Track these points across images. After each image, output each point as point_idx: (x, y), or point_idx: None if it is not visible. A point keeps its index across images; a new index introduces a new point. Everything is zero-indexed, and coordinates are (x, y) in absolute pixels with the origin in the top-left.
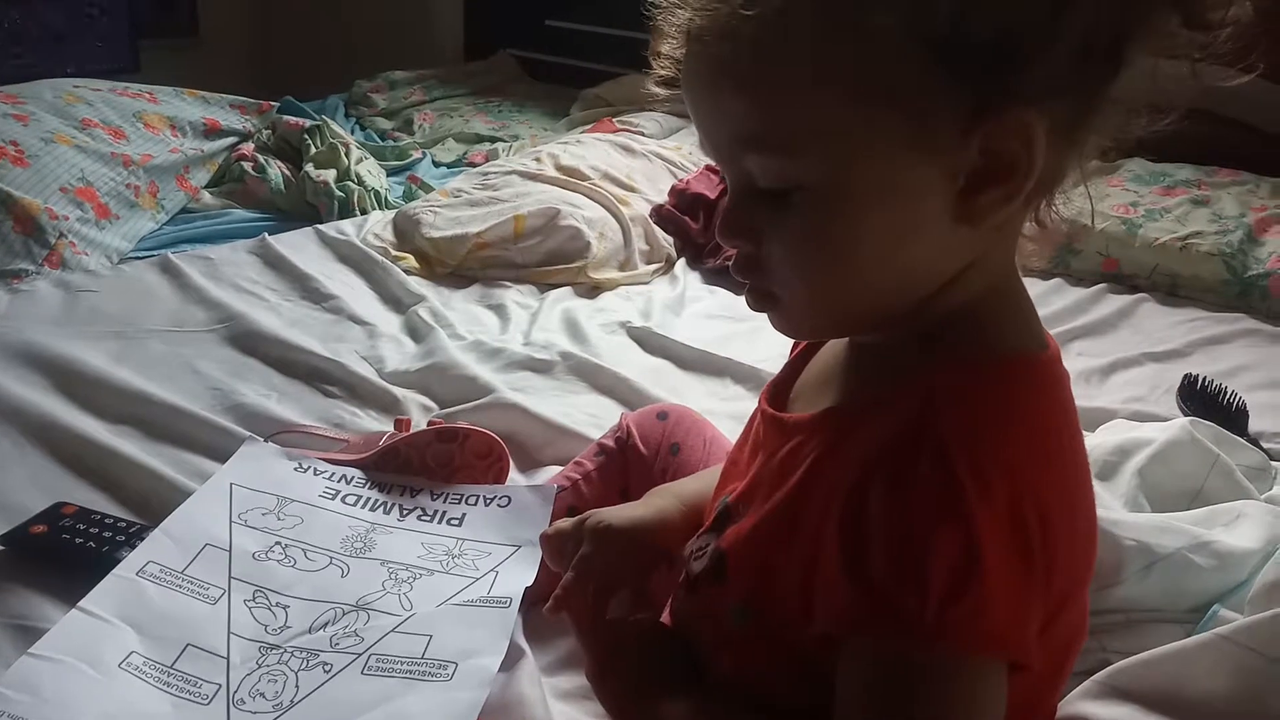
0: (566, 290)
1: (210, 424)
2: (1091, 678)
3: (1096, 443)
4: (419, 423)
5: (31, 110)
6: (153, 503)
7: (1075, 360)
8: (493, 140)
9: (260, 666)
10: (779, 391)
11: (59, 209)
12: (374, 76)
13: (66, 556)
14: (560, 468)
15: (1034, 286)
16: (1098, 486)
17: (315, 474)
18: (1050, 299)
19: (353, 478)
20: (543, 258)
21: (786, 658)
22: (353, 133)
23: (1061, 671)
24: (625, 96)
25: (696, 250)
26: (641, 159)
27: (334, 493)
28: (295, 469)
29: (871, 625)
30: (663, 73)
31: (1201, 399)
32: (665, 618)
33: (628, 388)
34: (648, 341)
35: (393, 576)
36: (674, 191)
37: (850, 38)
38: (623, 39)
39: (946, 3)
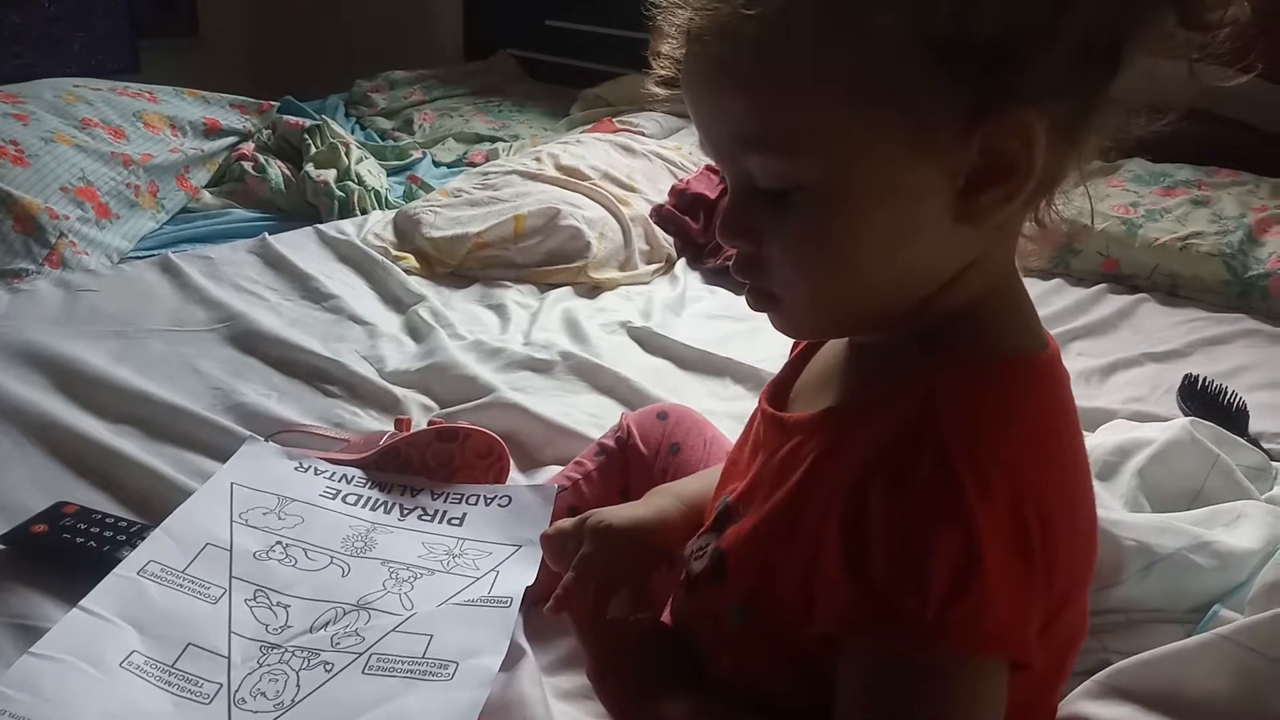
0: (567, 290)
1: (211, 423)
2: (1092, 678)
3: (1097, 443)
4: (419, 422)
5: (31, 110)
6: (153, 502)
7: (1075, 360)
8: (493, 140)
9: (261, 666)
10: (779, 391)
11: (59, 208)
12: (374, 76)
13: (67, 556)
14: (560, 467)
15: (1034, 287)
16: (1098, 486)
17: (316, 474)
18: (1050, 299)
19: (353, 477)
20: (543, 257)
21: (787, 658)
22: (353, 132)
23: (1062, 671)
24: (625, 96)
25: (697, 250)
26: (642, 159)
27: (335, 492)
28: (296, 468)
29: (872, 625)
30: (663, 73)
31: (1202, 399)
32: (666, 617)
33: (628, 388)
34: (648, 341)
35: (393, 576)
36: (674, 191)
37: (850, 37)
38: (623, 39)
39: (946, 3)
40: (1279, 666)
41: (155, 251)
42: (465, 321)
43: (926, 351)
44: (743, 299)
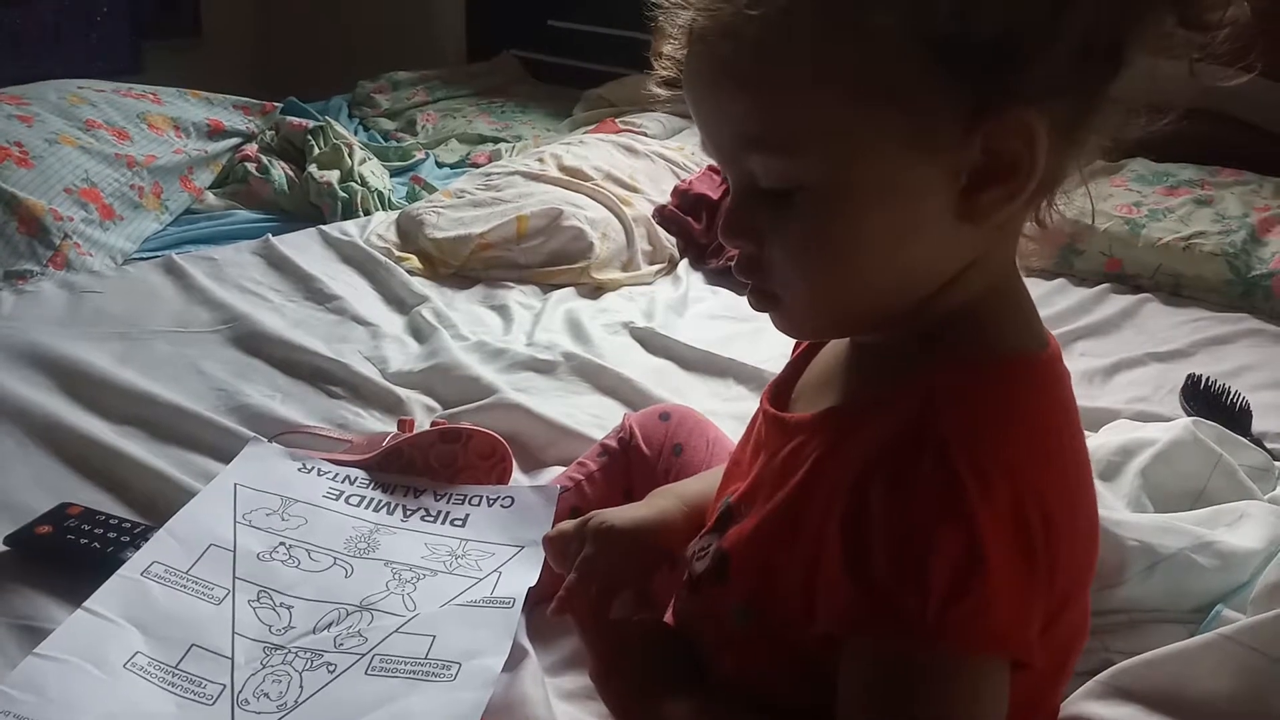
0: (569, 291)
1: (215, 425)
2: (1094, 678)
3: (1099, 443)
4: (422, 423)
5: (36, 111)
6: (158, 503)
7: (1078, 360)
8: (496, 141)
9: (264, 667)
10: (781, 392)
11: (63, 210)
12: (377, 77)
13: (71, 557)
14: (563, 468)
15: (1037, 287)
16: (1101, 486)
17: (319, 475)
18: (1054, 299)
19: (356, 478)
20: (546, 258)
21: (788, 658)
22: (356, 133)
23: (1063, 670)
24: (628, 97)
25: (699, 251)
26: (644, 159)
27: (338, 493)
28: (299, 469)
29: (873, 625)
30: (664, 73)
31: (1205, 399)
32: (668, 618)
33: (630, 388)
34: (650, 342)
35: (396, 577)
36: (677, 192)
37: (850, 37)
38: (625, 40)
39: (946, 3)
40: None
41: (159, 253)
42: (468, 322)
43: (927, 351)
44: (745, 299)
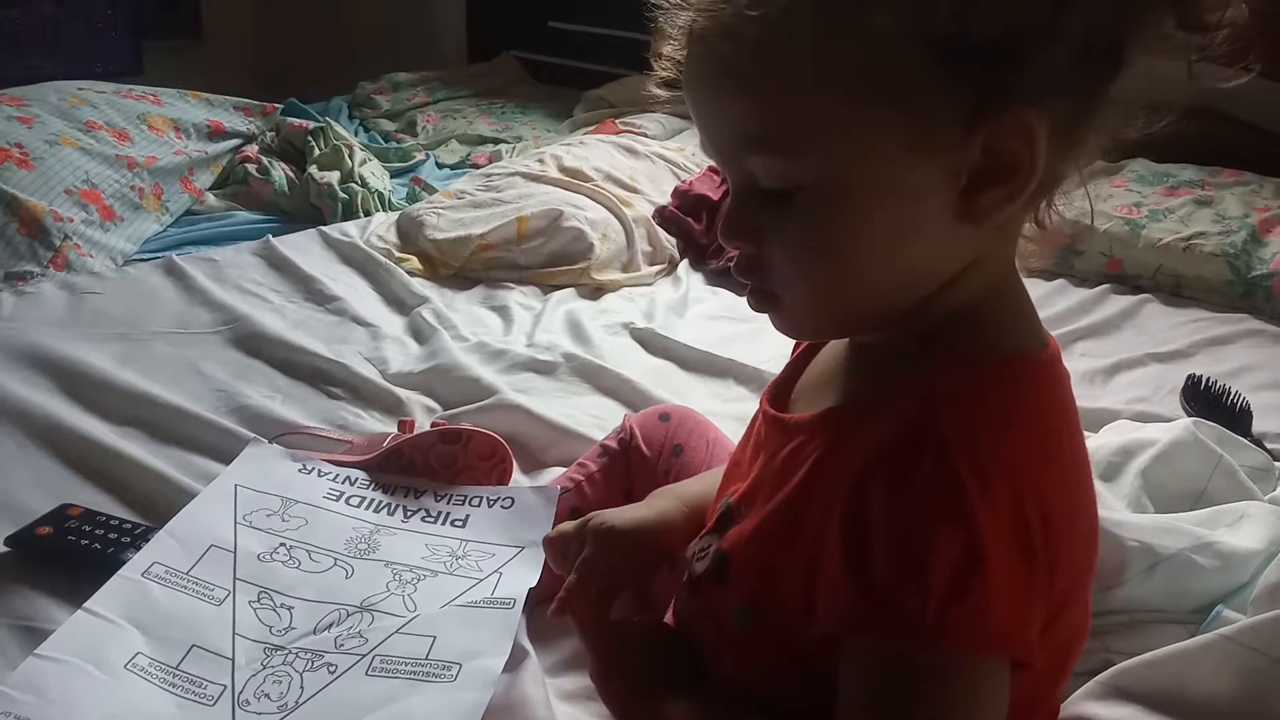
0: (569, 291)
1: (215, 426)
2: (1095, 678)
3: (1100, 443)
4: (422, 424)
5: (36, 112)
6: (158, 504)
7: (1079, 361)
8: (496, 142)
9: (265, 668)
10: (780, 392)
11: (64, 211)
12: (377, 78)
13: (72, 558)
14: (563, 469)
15: (1037, 287)
16: (1101, 487)
17: (319, 475)
18: (1054, 300)
19: (357, 479)
20: (546, 259)
21: (788, 658)
22: (356, 134)
23: (1063, 670)
24: (628, 98)
25: (699, 251)
26: (644, 160)
27: (338, 494)
28: (299, 470)
29: (872, 625)
30: (664, 74)
31: (1205, 400)
32: (668, 619)
33: (631, 389)
34: (651, 343)
35: (397, 578)
36: (677, 193)
37: (850, 38)
38: (625, 40)
39: (946, 3)
40: None
41: (159, 254)
42: (468, 323)
43: (927, 351)
44: (745, 300)
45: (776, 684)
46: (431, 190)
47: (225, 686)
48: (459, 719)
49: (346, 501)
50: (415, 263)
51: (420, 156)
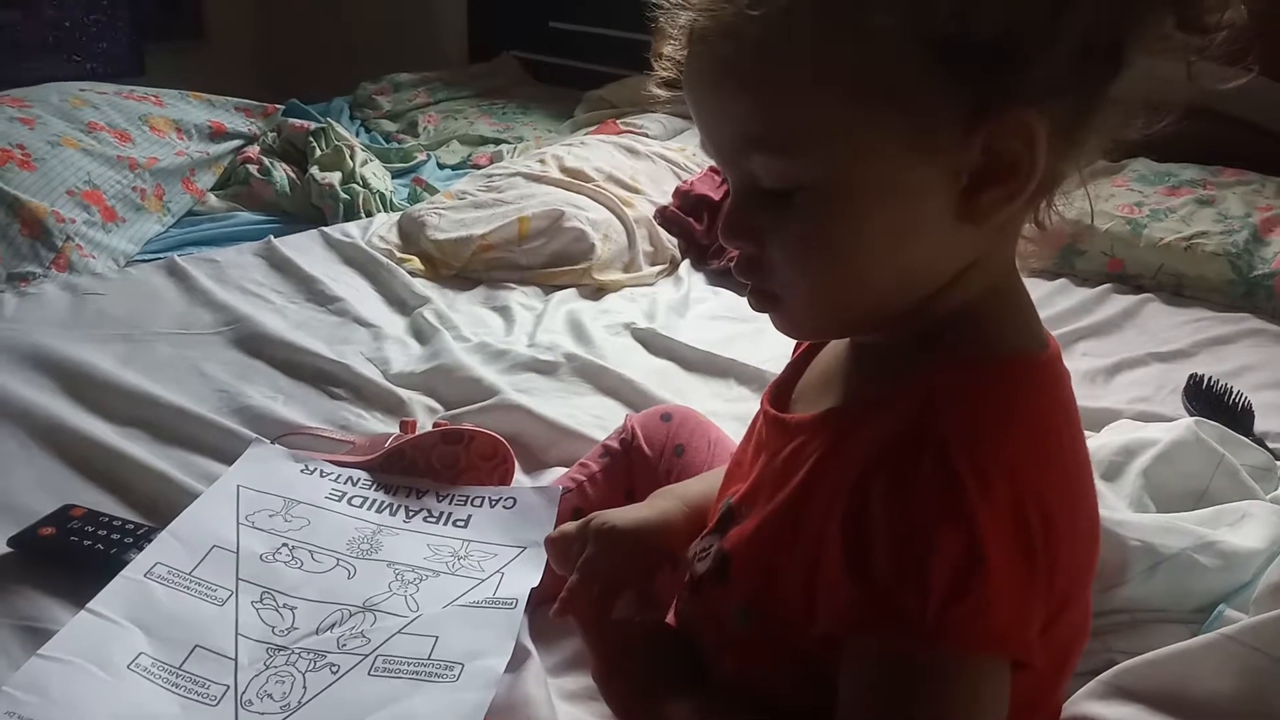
0: (571, 292)
1: (217, 426)
2: (1097, 678)
3: (1101, 443)
4: (424, 424)
5: (38, 114)
6: (160, 505)
7: (1080, 360)
8: (497, 142)
9: (268, 668)
10: (781, 392)
11: (66, 212)
12: (379, 79)
13: (75, 558)
14: (565, 469)
15: (1039, 287)
16: (1102, 487)
17: (321, 476)
18: (1055, 299)
19: (359, 479)
20: (547, 259)
21: (789, 659)
22: (358, 135)
23: (1064, 670)
24: (629, 98)
25: (700, 251)
26: (645, 160)
27: (340, 494)
28: (302, 471)
29: (873, 625)
30: (665, 74)
31: (1207, 399)
32: (670, 619)
33: (632, 389)
34: (652, 343)
35: (399, 578)
36: (678, 193)
37: (850, 38)
38: (626, 41)
39: (946, 3)
40: None
41: (161, 255)
42: (470, 323)
43: (927, 351)
44: (745, 300)
45: (777, 684)
46: (433, 191)
47: (228, 687)
48: (461, 719)
49: (349, 502)
50: (417, 263)
51: (421, 157)
